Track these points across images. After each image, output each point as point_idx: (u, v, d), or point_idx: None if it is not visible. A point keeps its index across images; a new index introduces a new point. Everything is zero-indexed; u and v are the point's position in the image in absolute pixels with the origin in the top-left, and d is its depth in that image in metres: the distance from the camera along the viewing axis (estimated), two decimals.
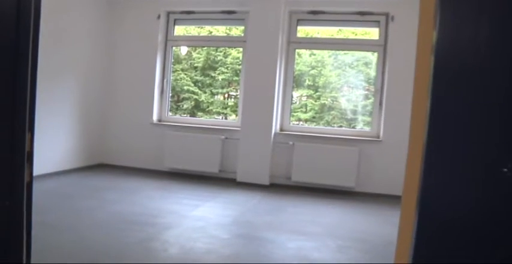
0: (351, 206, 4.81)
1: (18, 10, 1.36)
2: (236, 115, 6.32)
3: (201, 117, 6.69)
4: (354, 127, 5.90)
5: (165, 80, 6.28)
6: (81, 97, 5.96)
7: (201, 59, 6.90)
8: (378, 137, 5.45)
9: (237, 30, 6.46)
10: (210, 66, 6.87)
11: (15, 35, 1.37)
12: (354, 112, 5.95)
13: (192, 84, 6.82)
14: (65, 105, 5.69)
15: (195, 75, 6.89)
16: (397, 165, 5.04)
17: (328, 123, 6.05)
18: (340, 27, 6.06)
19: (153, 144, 6.17)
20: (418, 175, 1.50)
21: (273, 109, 5.58)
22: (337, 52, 5.99)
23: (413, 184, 1.51)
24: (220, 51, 6.85)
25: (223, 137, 5.83)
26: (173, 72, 6.53)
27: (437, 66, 1.22)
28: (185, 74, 6.82)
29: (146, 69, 6.19)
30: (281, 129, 5.78)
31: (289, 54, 5.78)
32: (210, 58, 6.87)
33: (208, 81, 6.85)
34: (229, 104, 6.87)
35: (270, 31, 5.56)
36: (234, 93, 6.88)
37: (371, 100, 5.67)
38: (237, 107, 6.27)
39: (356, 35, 6.05)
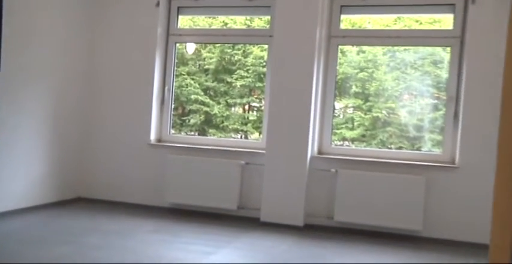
0: (416, 256, 4.69)
1: None
2: (260, 133, 6.31)
3: (214, 135, 6.70)
4: (418, 149, 5.82)
5: (166, 88, 6.34)
6: (55, 111, 6.00)
7: (214, 60, 6.92)
8: (453, 163, 5.35)
9: (260, 21, 6.45)
10: (225, 69, 6.89)
11: None
12: (419, 128, 5.89)
13: (202, 93, 6.85)
14: (34, 121, 5.74)
15: (206, 81, 6.93)
16: (479, 201, 5.00)
17: (382, 144, 5.99)
18: (399, 15, 6.01)
19: (150, 172, 6.19)
20: (510, 215, 1.42)
21: (308, 125, 5.55)
22: (395, 48, 5.93)
23: (504, 228, 1.43)
24: (239, 49, 6.87)
25: (242, 162, 5.83)
26: (177, 76, 6.57)
27: None
28: (192, 79, 6.85)
29: (141, 73, 6.25)
30: (320, 152, 5.76)
31: (330, 52, 5.76)
32: (225, 58, 6.90)
33: (222, 89, 6.88)
34: (251, 118, 6.87)
35: (304, 22, 5.56)
36: (257, 104, 6.89)
37: (442, 112, 5.60)
38: (260, 122, 6.27)
39: (421, 24, 5.99)
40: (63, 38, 6.04)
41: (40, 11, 5.66)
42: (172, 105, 6.45)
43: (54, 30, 5.88)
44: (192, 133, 6.81)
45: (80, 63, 6.30)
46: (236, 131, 6.78)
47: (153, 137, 6.27)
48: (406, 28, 6.01)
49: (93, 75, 6.43)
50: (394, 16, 6.07)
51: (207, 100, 6.83)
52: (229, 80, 6.83)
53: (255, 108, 6.94)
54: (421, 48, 5.82)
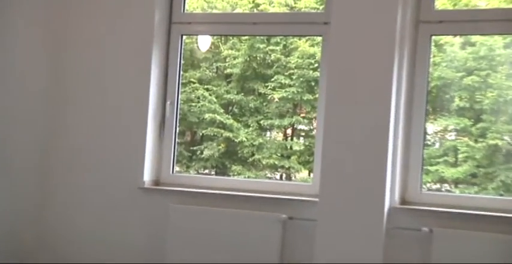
0: None
1: None
2: (310, 171, 6.32)
3: (239, 175, 6.84)
4: None
5: (167, 103, 6.15)
6: (4, 138, 5.88)
7: (239, 60, 7.17)
8: None
9: (309, 1, 6.60)
10: (256, 74, 7.16)
11: None
12: None
13: (221, 110, 7.03)
14: None
15: (227, 92, 7.15)
16: None
17: (506, 188, 5.78)
18: None
19: (143, 231, 5.99)
20: None
21: (385, 158, 5.24)
22: None
23: None
24: (277, 44, 7.01)
25: (284, 216, 5.56)
26: (183, 85, 6.53)
27: None
28: (207, 90, 7.15)
29: (130, 80, 6.07)
30: (404, 201, 5.46)
31: (419, 46, 5.47)
32: (256, 58, 7.09)
33: (252, 104, 7.09)
34: (296, 148, 7.01)
35: (378, 1, 5.32)
36: (305, 127, 7.04)
37: None
38: (311, 154, 6.30)
39: None
40: (19, 33, 5.95)
41: None
42: (177, 129, 6.28)
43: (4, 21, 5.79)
44: (207, 171, 7.01)
45: (40, 69, 6.17)
46: (273, 167, 6.97)
47: (147, 177, 6.04)
48: None
49: (58, 85, 6.27)
50: None
51: (229, 121, 7.09)
52: (262, 90, 7.06)
53: (303, 133, 7.17)
54: None
